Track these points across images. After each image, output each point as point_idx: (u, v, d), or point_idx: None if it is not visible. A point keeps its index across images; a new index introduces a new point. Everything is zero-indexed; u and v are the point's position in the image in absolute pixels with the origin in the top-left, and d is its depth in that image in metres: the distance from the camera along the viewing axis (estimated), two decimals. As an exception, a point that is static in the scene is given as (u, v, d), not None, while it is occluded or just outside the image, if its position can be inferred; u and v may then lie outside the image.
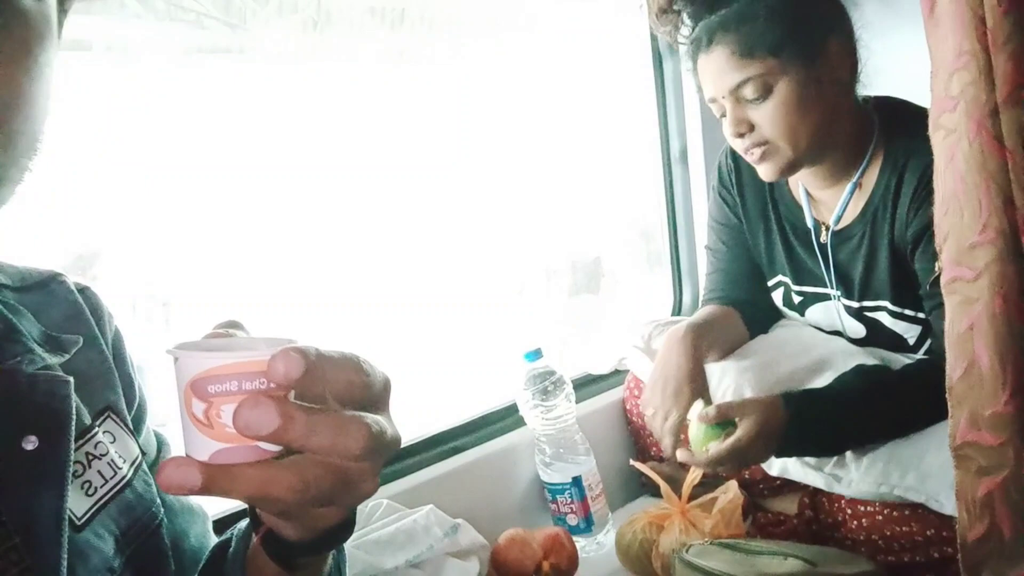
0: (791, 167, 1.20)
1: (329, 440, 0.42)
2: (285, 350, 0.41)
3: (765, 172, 1.21)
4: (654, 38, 1.78)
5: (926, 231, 1.12)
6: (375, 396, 0.46)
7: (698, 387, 1.24)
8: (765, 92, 1.13)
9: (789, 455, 1.22)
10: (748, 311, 1.43)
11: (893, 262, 1.21)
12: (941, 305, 0.94)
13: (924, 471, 1.08)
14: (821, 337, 1.36)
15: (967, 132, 0.75)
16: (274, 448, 0.43)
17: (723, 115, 1.20)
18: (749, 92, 1.14)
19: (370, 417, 0.44)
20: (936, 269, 0.83)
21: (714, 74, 1.17)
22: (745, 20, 1.13)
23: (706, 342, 1.32)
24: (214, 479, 0.41)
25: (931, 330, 1.21)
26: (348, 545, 0.55)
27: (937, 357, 1.13)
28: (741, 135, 1.17)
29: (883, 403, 1.14)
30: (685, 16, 1.23)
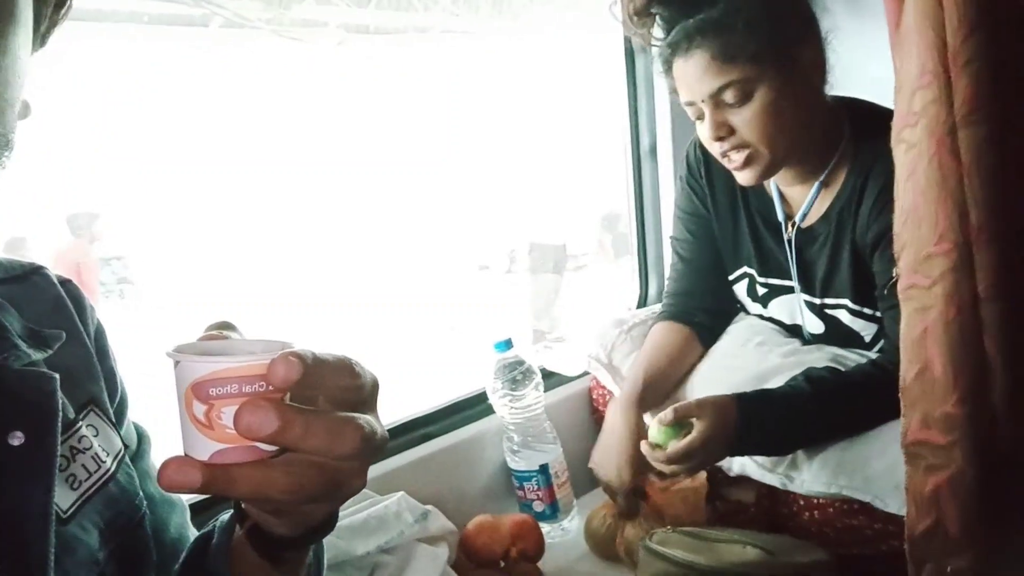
0: (769, 171, 1.22)
1: (324, 442, 0.44)
2: (284, 355, 0.42)
3: (745, 177, 1.23)
4: (627, 36, 1.80)
5: (886, 235, 1.14)
6: (365, 397, 0.48)
7: (640, 461, 1.27)
8: (745, 97, 1.15)
9: (743, 454, 1.26)
10: (705, 319, 1.46)
11: (855, 262, 1.25)
12: (894, 307, 0.97)
13: (870, 474, 1.13)
14: (774, 341, 1.40)
15: (927, 148, 0.78)
16: (271, 448, 0.44)
17: (699, 118, 1.22)
18: (729, 96, 1.15)
19: (362, 418, 0.46)
20: (894, 275, 0.87)
21: (693, 78, 1.17)
22: (725, 26, 1.14)
23: (651, 401, 1.38)
24: (214, 479, 0.43)
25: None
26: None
27: (887, 357, 1.17)
28: (721, 138, 1.19)
29: (831, 405, 1.19)
30: (660, 19, 1.24)
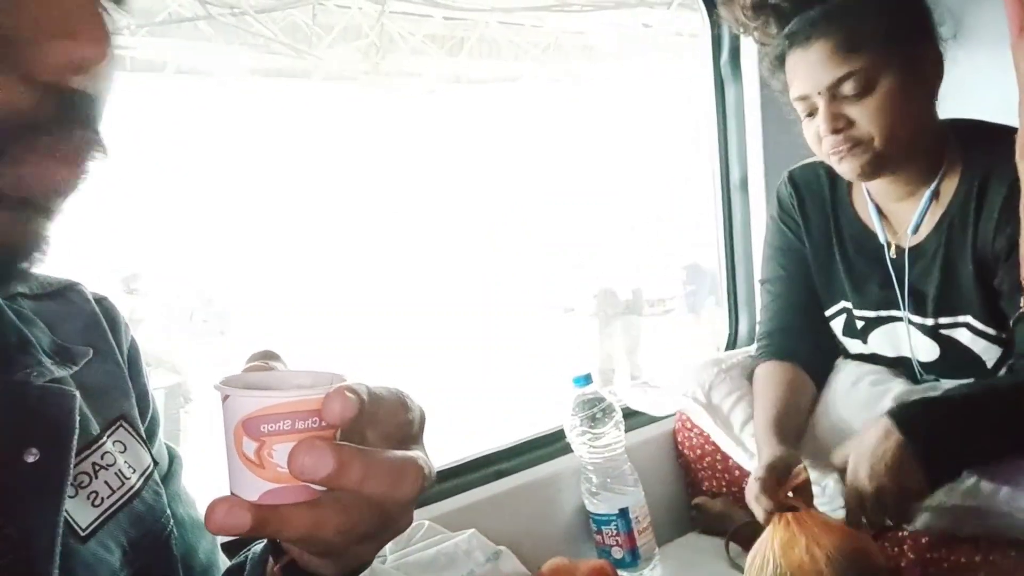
0: (877, 165, 1.17)
1: (386, 484, 0.42)
2: (340, 390, 0.41)
3: (851, 167, 1.17)
4: (716, 66, 1.76)
5: (1014, 245, 1.08)
6: (415, 432, 0.47)
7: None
8: (867, 88, 1.12)
9: (940, 475, 1.09)
10: (807, 356, 1.36)
11: (977, 275, 1.17)
12: None
13: None
14: (888, 380, 1.29)
15: (1063, 159, 0.70)
16: (322, 487, 0.43)
17: (809, 114, 1.18)
18: (849, 88, 1.12)
19: (421, 458, 0.44)
20: (1022, 305, 0.78)
21: (813, 68, 1.15)
22: (850, 14, 1.13)
23: (789, 436, 1.25)
24: (265, 521, 0.41)
25: (1011, 351, 1.15)
26: (389, 566, 0.55)
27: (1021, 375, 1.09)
28: (838, 131, 1.14)
29: (998, 403, 1.08)
30: (776, 12, 1.21)
